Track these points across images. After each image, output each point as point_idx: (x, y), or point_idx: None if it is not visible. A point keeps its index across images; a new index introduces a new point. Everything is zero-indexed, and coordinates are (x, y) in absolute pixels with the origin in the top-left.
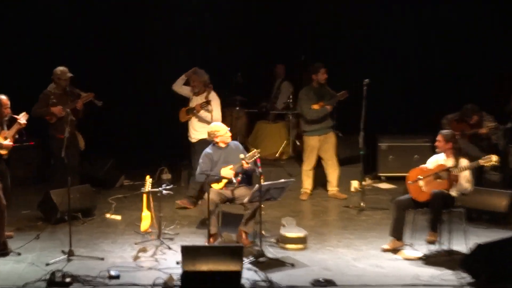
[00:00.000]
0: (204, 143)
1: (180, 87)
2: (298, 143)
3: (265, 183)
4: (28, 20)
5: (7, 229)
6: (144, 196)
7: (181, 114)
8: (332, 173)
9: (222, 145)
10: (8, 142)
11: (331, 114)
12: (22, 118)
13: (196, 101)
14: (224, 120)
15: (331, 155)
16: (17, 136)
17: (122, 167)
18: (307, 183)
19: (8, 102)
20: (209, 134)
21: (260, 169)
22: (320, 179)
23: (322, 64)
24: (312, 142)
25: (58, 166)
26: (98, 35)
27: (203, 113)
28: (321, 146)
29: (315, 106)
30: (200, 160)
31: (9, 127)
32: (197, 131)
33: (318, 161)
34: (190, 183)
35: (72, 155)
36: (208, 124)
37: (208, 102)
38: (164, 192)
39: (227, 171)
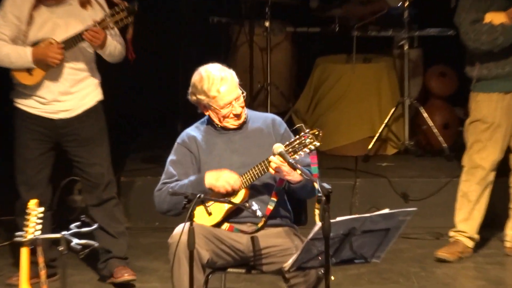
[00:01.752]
0: (94, 121)
1: None
2: (426, 116)
3: (341, 218)
4: None
5: None
6: (24, 252)
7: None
8: None
9: (226, 123)
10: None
11: None
12: None
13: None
14: (232, 59)
15: None
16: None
17: None
18: (465, 216)
19: None
20: (192, 90)
21: (309, 169)
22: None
23: None
24: (487, 109)
25: None
26: None
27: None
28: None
29: (493, 18)
30: (171, 157)
31: None
32: (71, 94)
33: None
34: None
35: None
36: (89, 74)
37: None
38: (75, 243)
39: (220, 178)
